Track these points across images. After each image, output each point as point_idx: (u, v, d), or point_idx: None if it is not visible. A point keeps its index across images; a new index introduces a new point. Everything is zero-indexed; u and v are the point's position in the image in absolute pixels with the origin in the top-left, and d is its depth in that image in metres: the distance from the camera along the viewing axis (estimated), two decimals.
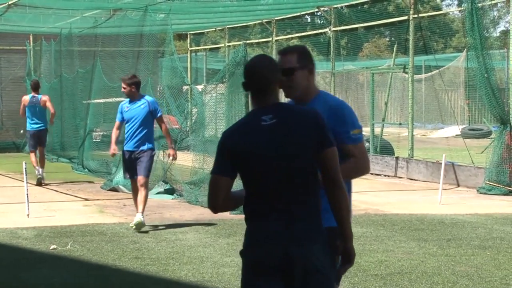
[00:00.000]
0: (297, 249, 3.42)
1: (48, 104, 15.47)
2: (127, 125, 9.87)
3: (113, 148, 9.98)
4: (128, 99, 9.94)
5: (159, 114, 10.01)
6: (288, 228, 3.44)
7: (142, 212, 9.52)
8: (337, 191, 3.53)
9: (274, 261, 3.43)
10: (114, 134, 10.04)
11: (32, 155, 15.29)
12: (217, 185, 3.57)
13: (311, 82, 4.10)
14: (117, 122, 10.04)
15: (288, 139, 3.48)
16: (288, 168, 3.47)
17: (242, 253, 3.57)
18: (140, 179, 9.64)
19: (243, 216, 3.62)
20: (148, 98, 10.07)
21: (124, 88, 9.86)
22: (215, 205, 3.61)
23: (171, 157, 10.17)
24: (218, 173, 3.56)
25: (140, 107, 9.81)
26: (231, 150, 3.52)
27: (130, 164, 9.76)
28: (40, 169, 15.00)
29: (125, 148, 9.85)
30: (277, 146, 3.48)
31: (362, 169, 4.12)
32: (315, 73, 4.15)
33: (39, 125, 15.41)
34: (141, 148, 9.74)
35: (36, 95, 15.50)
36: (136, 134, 9.77)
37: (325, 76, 28.02)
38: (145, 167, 9.70)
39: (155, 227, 9.83)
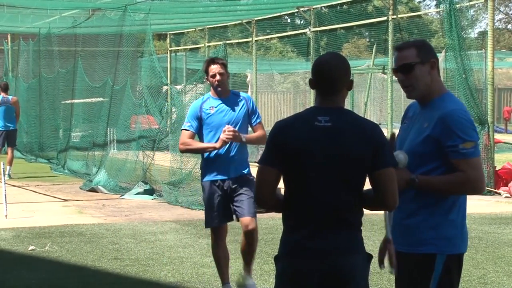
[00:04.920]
0: (335, 260, 3.28)
1: (17, 105, 16.56)
2: (211, 136, 6.28)
3: (219, 142, 6.18)
4: (208, 95, 6.39)
5: (259, 120, 6.47)
6: (326, 238, 3.30)
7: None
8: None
9: (312, 272, 3.26)
10: (195, 143, 6.34)
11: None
12: (263, 176, 3.33)
13: (435, 78, 3.67)
14: (188, 133, 6.28)
15: (337, 147, 3.28)
16: (332, 175, 3.28)
17: (276, 260, 3.40)
18: (250, 221, 6.20)
19: None
20: (243, 94, 6.54)
21: (221, 75, 6.20)
22: (261, 198, 3.36)
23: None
24: (265, 163, 3.33)
25: (237, 108, 6.33)
26: (280, 143, 3.31)
27: (222, 202, 6.27)
28: (9, 167, 15.84)
29: (211, 178, 6.28)
30: (325, 150, 3.28)
31: (467, 184, 3.57)
32: (439, 69, 3.70)
33: (11, 125, 16.32)
34: (241, 172, 6.32)
35: (6, 95, 16.34)
36: (232, 151, 6.27)
37: (305, 76, 28.07)
38: (252, 202, 6.19)
39: (135, 228, 9.81)
